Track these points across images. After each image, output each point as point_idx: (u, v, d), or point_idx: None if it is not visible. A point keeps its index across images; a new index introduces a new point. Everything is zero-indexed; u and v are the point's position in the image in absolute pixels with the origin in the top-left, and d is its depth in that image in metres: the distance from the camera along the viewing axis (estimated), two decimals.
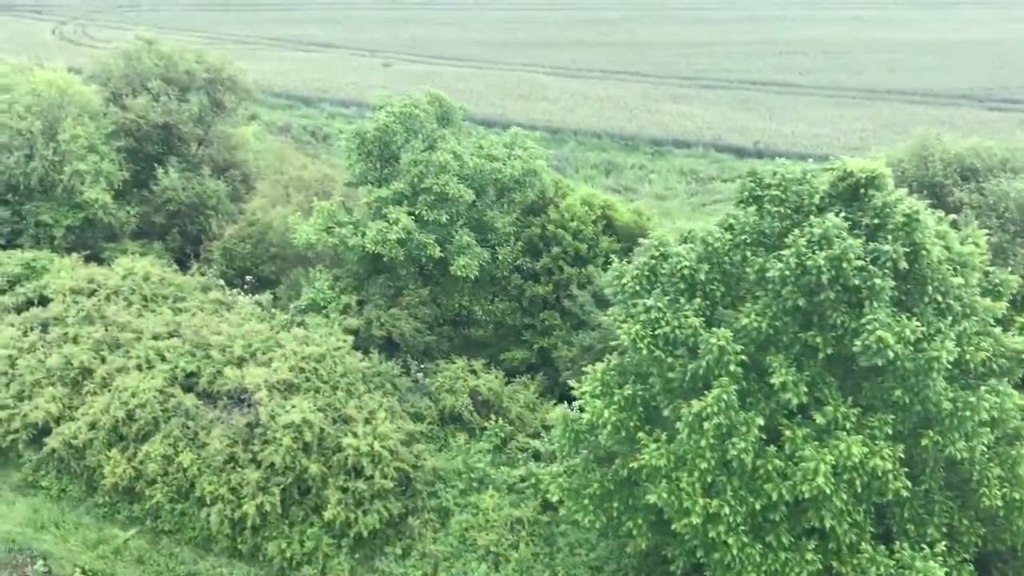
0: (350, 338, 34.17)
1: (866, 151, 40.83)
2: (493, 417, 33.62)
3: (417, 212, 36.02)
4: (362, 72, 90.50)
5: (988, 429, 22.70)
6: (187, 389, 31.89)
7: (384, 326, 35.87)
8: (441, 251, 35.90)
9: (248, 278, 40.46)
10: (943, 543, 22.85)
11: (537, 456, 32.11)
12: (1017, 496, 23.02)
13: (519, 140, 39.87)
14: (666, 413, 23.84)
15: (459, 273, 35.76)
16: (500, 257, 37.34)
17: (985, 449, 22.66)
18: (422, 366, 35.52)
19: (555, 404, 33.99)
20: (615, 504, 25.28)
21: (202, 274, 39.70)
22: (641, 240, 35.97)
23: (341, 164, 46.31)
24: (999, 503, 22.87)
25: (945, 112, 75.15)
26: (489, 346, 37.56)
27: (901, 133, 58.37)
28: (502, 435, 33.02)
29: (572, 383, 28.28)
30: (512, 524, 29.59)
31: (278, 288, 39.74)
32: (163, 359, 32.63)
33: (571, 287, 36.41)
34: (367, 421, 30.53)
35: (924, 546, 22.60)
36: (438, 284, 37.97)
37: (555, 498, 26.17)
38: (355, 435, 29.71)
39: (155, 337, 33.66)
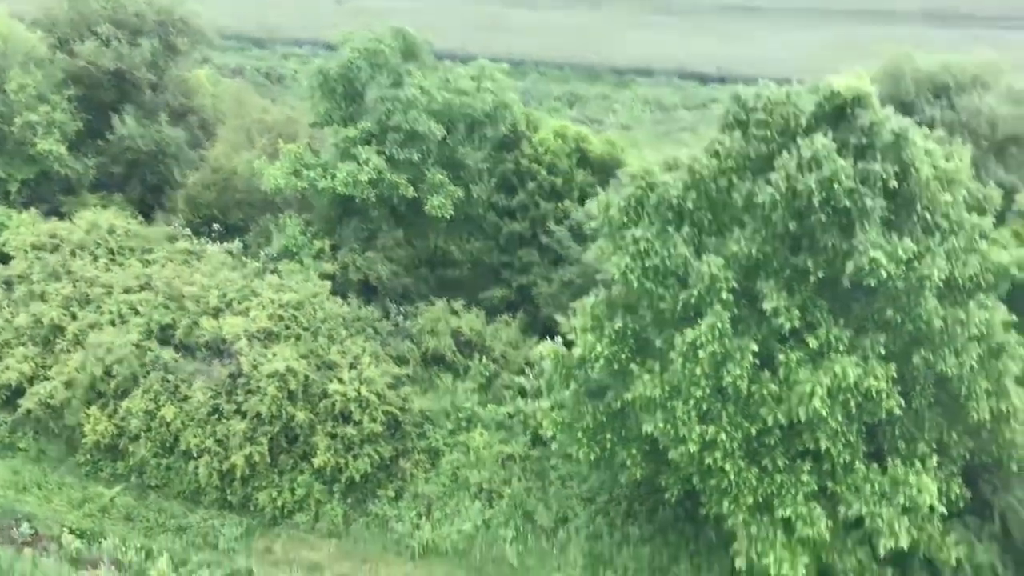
0: (327, 284, 33.55)
1: (829, 72, 40.58)
2: (477, 356, 33.40)
3: (387, 151, 35.16)
4: (314, 10, 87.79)
5: (977, 344, 23.01)
6: (164, 342, 31.18)
7: (360, 270, 35.25)
8: (414, 191, 35.15)
9: (215, 226, 39.37)
10: (934, 458, 23.28)
11: (523, 393, 32.05)
12: (1004, 408, 23.39)
13: (487, 73, 38.92)
14: (658, 344, 23.79)
15: (433, 213, 35.05)
16: (474, 195, 36.65)
17: (974, 364, 22.90)
18: (402, 309, 35.06)
19: (538, 341, 33.81)
20: (608, 436, 25.38)
21: (168, 224, 38.62)
22: (618, 172, 36.04)
23: (301, 106, 45.01)
24: (987, 416, 23.22)
25: (905, 31, 74.88)
26: (467, 286, 37.04)
27: (863, 53, 58.10)
28: (487, 374, 32.87)
29: (560, 319, 28.18)
30: (503, 461, 29.65)
31: (247, 236, 38.73)
32: (137, 313, 31.82)
33: (548, 222, 35.98)
34: (352, 366, 30.13)
35: (916, 461, 23.01)
36: (412, 225, 37.23)
37: (548, 433, 26.19)
38: (341, 381, 29.34)
39: (126, 291, 32.78)
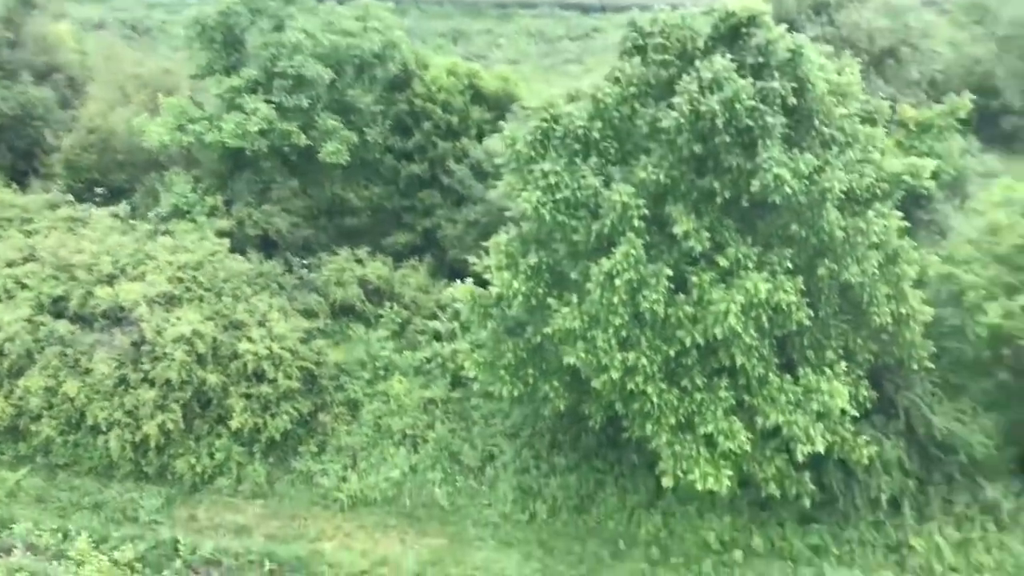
0: (225, 241, 32.42)
1: None
2: (387, 304, 32.97)
3: (275, 100, 33.88)
4: None
5: (876, 252, 23.91)
6: (57, 315, 29.66)
7: (257, 224, 34.18)
8: (306, 139, 34.07)
9: (98, 190, 37.40)
10: (842, 364, 24.23)
11: (438, 337, 31.87)
12: (903, 311, 24.46)
13: (371, 12, 37.74)
14: (574, 276, 23.87)
15: (328, 160, 34.06)
16: (369, 139, 35.76)
17: (874, 271, 23.80)
18: (305, 262, 34.15)
19: (447, 284, 33.59)
20: (530, 371, 25.47)
21: (46, 191, 36.51)
22: (513, 107, 35.72)
23: (177, 58, 42.94)
24: (888, 320, 24.24)
25: None
26: (370, 233, 36.29)
27: None
28: (399, 320, 32.52)
29: (470, 259, 28.00)
30: (425, 405, 29.56)
31: (133, 197, 36.95)
32: (24, 287, 30.13)
33: (447, 162, 35.46)
34: (260, 324, 29.34)
35: (825, 369, 23.92)
36: (307, 174, 36.15)
37: (470, 373, 26.10)
38: (251, 340, 28.57)
39: (9, 264, 30.96)
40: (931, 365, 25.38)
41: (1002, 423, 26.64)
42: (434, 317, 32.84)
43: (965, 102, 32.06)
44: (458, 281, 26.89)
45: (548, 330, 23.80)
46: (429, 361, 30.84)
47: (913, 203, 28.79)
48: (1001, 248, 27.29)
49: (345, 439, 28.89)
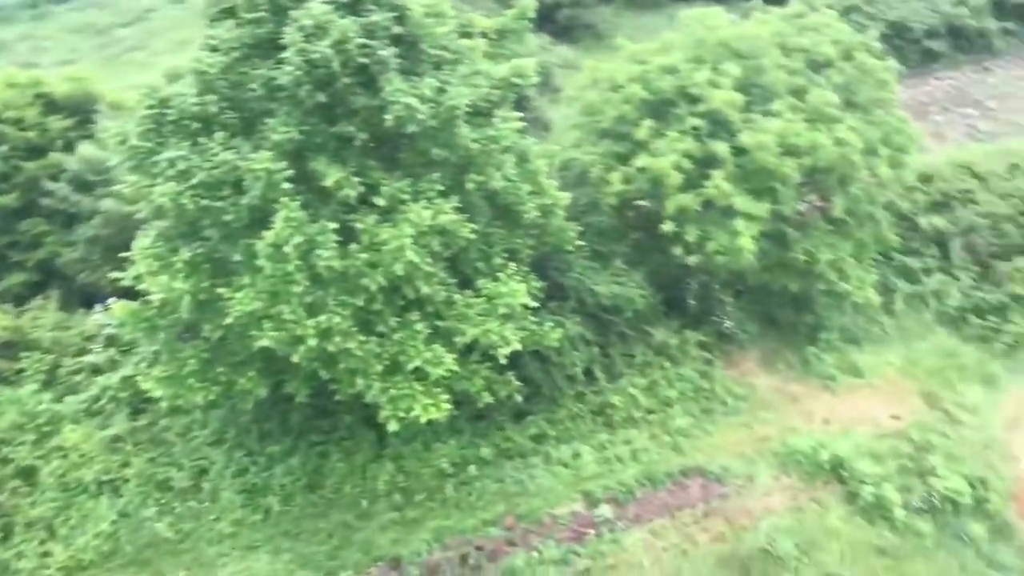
0: None
1: None
2: (24, 355, 29.18)
3: None
4: None
5: (509, 155, 25.31)
6: None
7: None
8: None
9: None
10: (511, 265, 25.58)
11: (98, 371, 28.89)
12: (547, 200, 26.24)
13: None
14: (238, 257, 22.73)
15: None
16: None
17: (513, 173, 25.23)
18: None
19: (87, 312, 30.58)
20: (219, 370, 24.10)
21: None
22: (98, 106, 32.74)
23: None
24: (536, 213, 25.90)
25: None
26: None
27: None
28: (45, 368, 28.92)
29: (110, 276, 25.59)
30: (110, 445, 26.86)
31: None
32: None
33: (42, 183, 31.70)
34: None
35: (498, 274, 25.15)
36: None
37: (155, 393, 24.06)
38: None
39: None
40: (581, 242, 27.58)
41: (646, 275, 29.90)
42: (84, 352, 29.67)
43: (530, 2, 34.46)
44: (108, 302, 24.47)
45: (228, 321, 22.51)
46: (98, 399, 27.93)
47: (515, 105, 30.76)
48: (604, 123, 30.19)
49: (32, 512, 25.52)
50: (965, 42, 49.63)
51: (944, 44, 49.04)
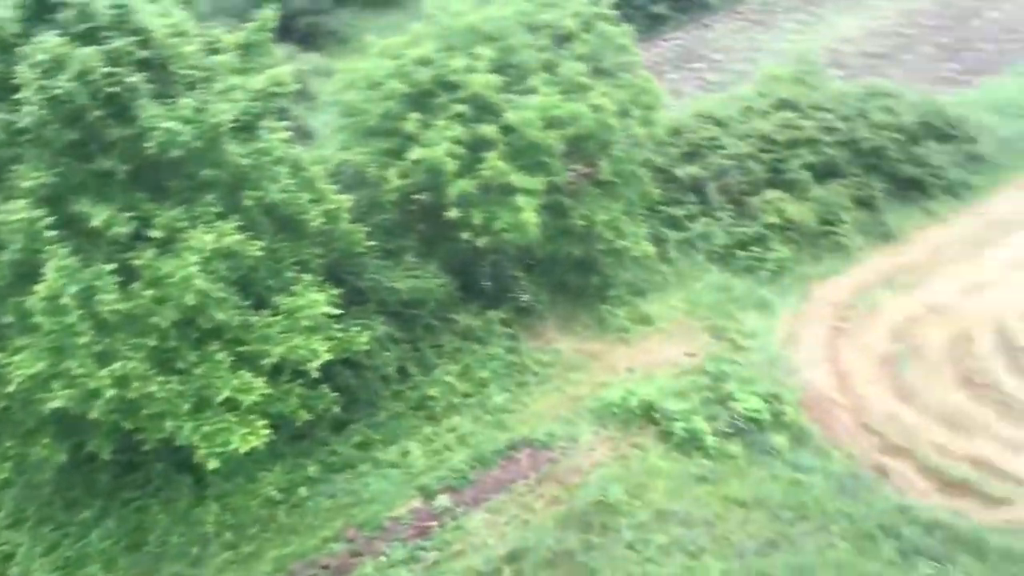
0: None
1: None
2: None
3: None
4: None
5: (282, 166, 24.79)
6: None
7: None
8: None
9: None
10: (304, 276, 25.09)
11: None
12: (330, 206, 25.89)
13: None
14: (10, 319, 20.94)
15: None
16: None
17: (290, 183, 24.76)
18: None
19: None
20: (8, 444, 22.20)
21: None
22: None
23: None
24: (321, 220, 25.51)
25: None
26: None
27: None
28: None
29: None
30: None
31: None
32: None
33: None
34: None
35: (292, 288, 24.61)
36: None
37: None
38: None
39: None
40: (371, 242, 27.51)
41: (440, 265, 30.27)
42: None
43: (270, 13, 33.83)
44: None
45: (10, 388, 20.72)
46: None
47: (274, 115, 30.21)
48: (370, 122, 30.17)
49: None
50: (686, 3, 53.64)
51: (666, 7, 52.80)
